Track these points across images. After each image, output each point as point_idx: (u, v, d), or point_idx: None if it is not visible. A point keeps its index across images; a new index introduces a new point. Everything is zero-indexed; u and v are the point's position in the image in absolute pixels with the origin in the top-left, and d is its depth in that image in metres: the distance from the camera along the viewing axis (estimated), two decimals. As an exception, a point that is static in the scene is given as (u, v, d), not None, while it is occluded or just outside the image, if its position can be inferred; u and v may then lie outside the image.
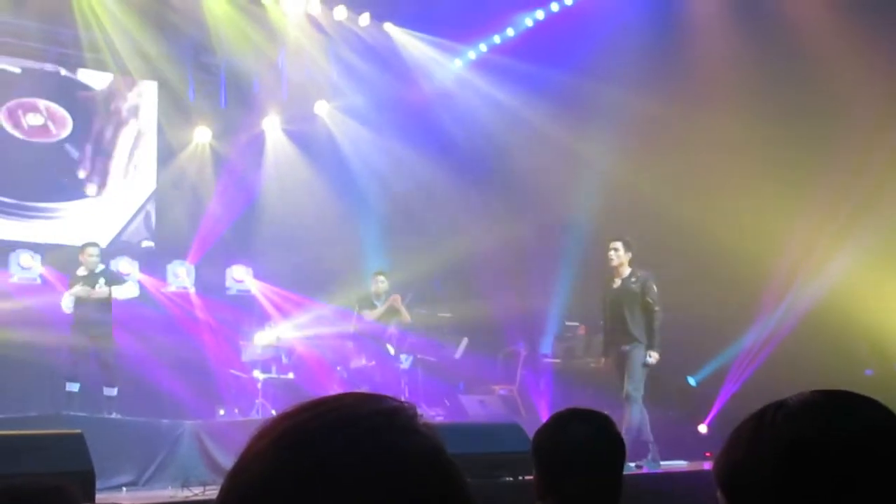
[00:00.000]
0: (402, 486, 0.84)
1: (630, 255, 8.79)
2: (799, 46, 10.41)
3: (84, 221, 11.91)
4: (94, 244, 10.05)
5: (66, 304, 9.69)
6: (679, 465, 8.72)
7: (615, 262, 8.75)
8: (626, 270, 8.76)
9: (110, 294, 9.79)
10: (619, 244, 8.74)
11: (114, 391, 9.59)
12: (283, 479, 0.83)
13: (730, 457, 1.20)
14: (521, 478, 5.77)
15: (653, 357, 8.54)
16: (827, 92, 10.25)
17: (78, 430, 5.20)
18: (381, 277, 10.96)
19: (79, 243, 10.26)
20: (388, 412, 0.89)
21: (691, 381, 11.18)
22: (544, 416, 10.42)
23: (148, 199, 12.55)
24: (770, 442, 1.15)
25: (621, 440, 2.63)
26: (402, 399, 0.92)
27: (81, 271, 9.80)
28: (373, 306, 10.89)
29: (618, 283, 8.78)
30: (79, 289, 9.64)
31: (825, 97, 10.26)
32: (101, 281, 9.77)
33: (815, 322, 9.90)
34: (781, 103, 10.43)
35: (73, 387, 9.47)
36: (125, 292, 10.07)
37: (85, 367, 9.62)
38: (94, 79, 12.31)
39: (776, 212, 10.29)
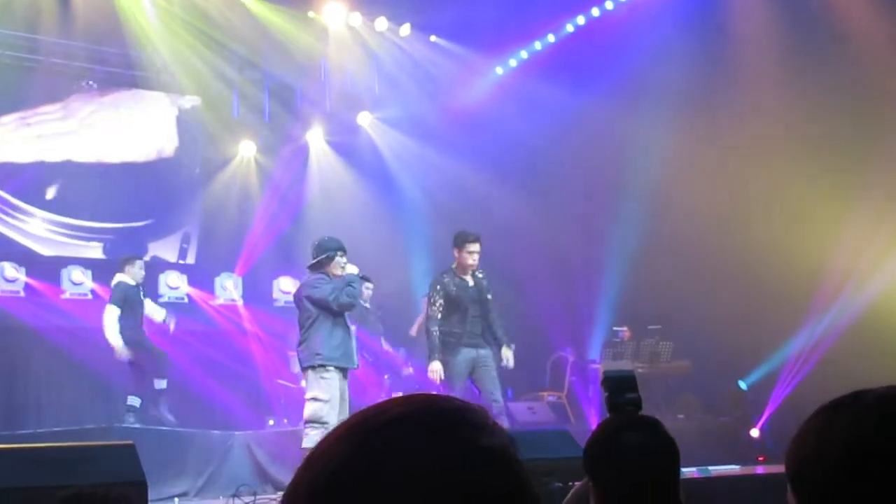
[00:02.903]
0: (473, 479, 0.84)
1: None
2: (851, 44, 10.25)
3: (131, 236, 12.08)
4: (141, 257, 10.21)
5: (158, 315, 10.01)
6: (732, 469, 8.61)
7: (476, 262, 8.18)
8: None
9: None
10: (478, 245, 8.15)
11: (163, 383, 9.75)
12: (357, 464, 0.84)
13: (798, 450, 1.16)
14: (571, 483, 5.73)
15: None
16: (881, 89, 10.08)
17: (130, 442, 5.25)
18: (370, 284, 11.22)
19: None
20: (460, 409, 0.90)
21: (742, 385, 11.05)
22: (593, 423, 10.37)
23: (193, 215, 12.70)
24: (838, 436, 1.12)
25: (674, 444, 2.58)
26: (471, 402, 0.94)
27: (129, 281, 9.90)
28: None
29: (471, 281, 8.20)
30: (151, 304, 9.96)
31: (879, 94, 10.10)
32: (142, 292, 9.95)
33: (870, 323, 9.73)
34: (834, 101, 10.27)
35: (135, 401, 9.58)
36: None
37: (142, 381, 9.75)
38: (141, 98, 12.47)
39: (828, 211, 10.13)
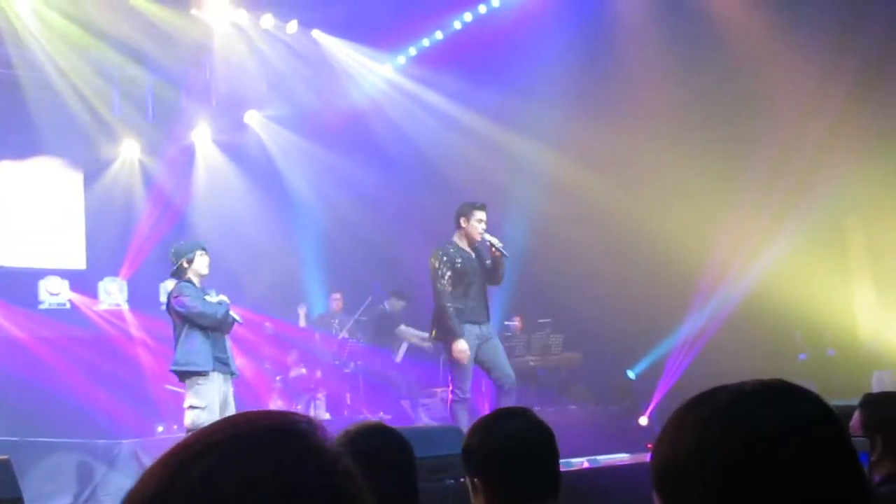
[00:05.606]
0: (285, 498, 0.82)
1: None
2: (723, 41, 10.57)
3: (7, 242, 11.58)
4: None
5: None
6: (621, 457, 8.78)
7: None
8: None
9: None
10: (485, 213, 7.74)
11: None
12: (171, 491, 0.83)
13: (656, 450, 1.14)
14: (461, 480, 5.74)
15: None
16: (753, 84, 10.44)
17: (4, 457, 5.03)
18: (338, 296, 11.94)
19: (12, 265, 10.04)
20: (283, 427, 0.88)
21: (630, 374, 11.29)
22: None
23: (75, 217, 12.25)
24: (689, 436, 1.09)
25: (550, 431, 2.63)
26: (306, 415, 0.91)
27: None
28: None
29: (473, 252, 7.80)
30: None
31: (751, 90, 10.46)
32: None
33: (750, 311, 10.06)
34: (709, 97, 10.59)
35: None
36: None
37: None
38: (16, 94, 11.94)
39: (708, 204, 10.44)
